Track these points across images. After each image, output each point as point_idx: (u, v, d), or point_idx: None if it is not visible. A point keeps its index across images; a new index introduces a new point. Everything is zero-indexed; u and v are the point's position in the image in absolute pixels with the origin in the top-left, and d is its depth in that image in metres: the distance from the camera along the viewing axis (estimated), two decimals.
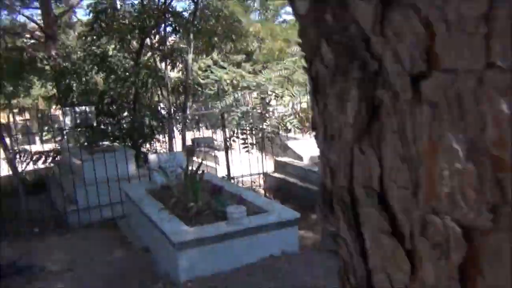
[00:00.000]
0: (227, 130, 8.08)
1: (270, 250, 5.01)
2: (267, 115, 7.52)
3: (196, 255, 4.61)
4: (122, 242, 6.20)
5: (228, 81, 12.19)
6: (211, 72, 12.52)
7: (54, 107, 12.86)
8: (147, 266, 5.22)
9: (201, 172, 5.68)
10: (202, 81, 12.29)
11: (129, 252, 5.75)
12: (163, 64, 10.80)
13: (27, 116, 21.12)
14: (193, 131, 12.27)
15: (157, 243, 5.23)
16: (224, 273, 4.70)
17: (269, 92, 7.35)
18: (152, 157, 6.95)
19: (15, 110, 21.41)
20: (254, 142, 7.65)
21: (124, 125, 10.10)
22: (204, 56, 12.78)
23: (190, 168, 5.85)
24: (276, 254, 5.03)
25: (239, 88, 8.02)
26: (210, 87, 11.99)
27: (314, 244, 5.74)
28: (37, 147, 13.31)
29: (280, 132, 7.90)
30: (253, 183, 8.40)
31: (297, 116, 8.02)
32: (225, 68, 13.17)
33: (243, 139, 7.63)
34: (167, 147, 10.65)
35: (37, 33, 13.32)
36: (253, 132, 7.59)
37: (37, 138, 17.36)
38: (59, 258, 5.62)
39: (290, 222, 5.17)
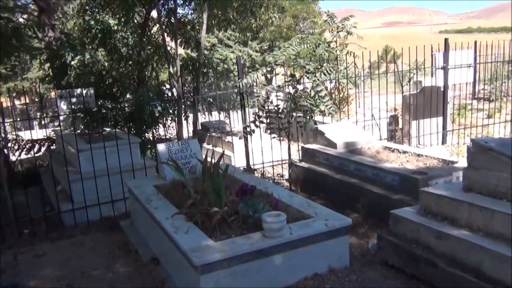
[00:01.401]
0: (247, 113, 6.92)
1: (315, 266, 3.93)
2: (296, 95, 6.33)
3: (224, 277, 3.50)
4: (126, 251, 5.08)
5: (233, 60, 11.01)
6: (216, 50, 11.38)
7: (51, 89, 11.75)
8: (158, 286, 4.13)
9: (225, 166, 4.52)
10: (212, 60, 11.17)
11: (135, 266, 4.64)
12: (170, 40, 9.61)
13: (26, 100, 20.14)
14: (204, 114, 11.10)
15: (171, 258, 4.12)
16: None
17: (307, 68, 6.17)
18: (160, 146, 5.79)
19: (13, 94, 20.39)
20: (281, 127, 6.45)
21: (126, 109, 8.96)
22: (217, 32, 11.54)
23: (209, 160, 4.68)
24: (322, 272, 3.94)
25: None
26: (214, 65, 10.87)
27: (362, 254, 4.64)
28: (35, 132, 12.26)
29: (313, 116, 6.71)
30: (278, 175, 7.26)
31: (331, 97, 6.82)
32: (231, 46, 12.03)
33: (268, 123, 6.44)
34: (175, 133, 9.53)
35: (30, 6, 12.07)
36: (280, 115, 6.38)
37: (35, 123, 16.33)
38: (50, 273, 4.52)
39: (339, 230, 4.06)
